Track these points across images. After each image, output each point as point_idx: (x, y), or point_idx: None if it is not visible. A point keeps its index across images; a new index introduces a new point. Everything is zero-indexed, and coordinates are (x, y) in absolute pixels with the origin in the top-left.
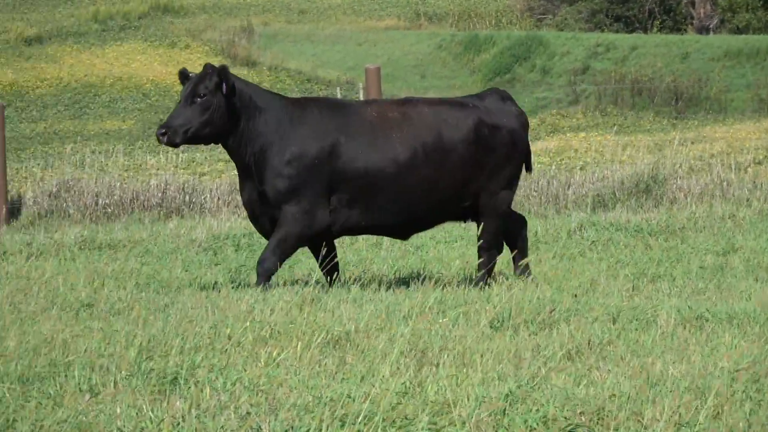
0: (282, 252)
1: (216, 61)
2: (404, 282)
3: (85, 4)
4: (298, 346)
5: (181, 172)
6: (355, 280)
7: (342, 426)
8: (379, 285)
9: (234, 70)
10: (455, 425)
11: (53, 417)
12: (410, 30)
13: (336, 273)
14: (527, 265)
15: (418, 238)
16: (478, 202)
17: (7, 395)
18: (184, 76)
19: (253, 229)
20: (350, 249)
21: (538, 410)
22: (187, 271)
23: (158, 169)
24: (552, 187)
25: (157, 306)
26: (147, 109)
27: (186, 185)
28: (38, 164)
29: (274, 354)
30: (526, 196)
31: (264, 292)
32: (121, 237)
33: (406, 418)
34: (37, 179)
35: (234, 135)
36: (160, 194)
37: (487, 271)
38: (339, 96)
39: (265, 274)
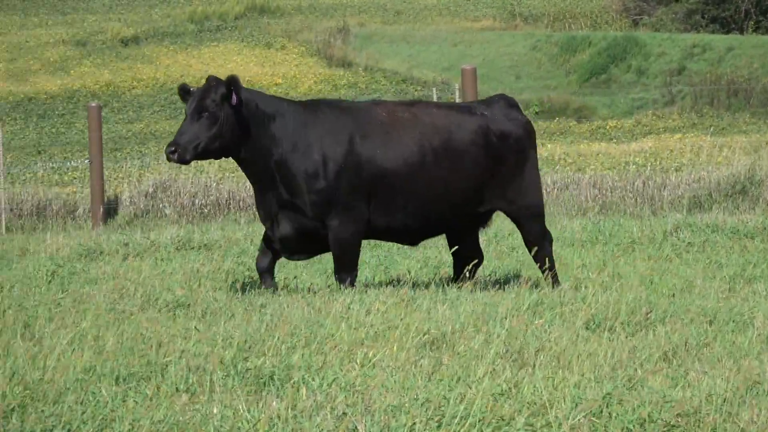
0: (350, 260)
1: (312, 62)
2: (500, 283)
3: (182, 4)
4: (394, 347)
5: None
6: (450, 281)
7: (438, 427)
8: (475, 286)
9: (330, 71)
10: (551, 427)
11: (150, 417)
12: (506, 31)
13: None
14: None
15: (514, 239)
16: (500, 209)
17: (105, 395)
18: (184, 91)
19: None
20: (446, 250)
21: (634, 412)
22: (282, 271)
23: None
24: (648, 188)
25: (254, 306)
26: None
27: None
28: (135, 164)
29: (370, 355)
30: (621, 198)
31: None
32: (217, 237)
33: (502, 419)
34: (133, 179)
35: (246, 146)
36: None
37: (551, 264)
38: (434, 98)
39: (350, 286)
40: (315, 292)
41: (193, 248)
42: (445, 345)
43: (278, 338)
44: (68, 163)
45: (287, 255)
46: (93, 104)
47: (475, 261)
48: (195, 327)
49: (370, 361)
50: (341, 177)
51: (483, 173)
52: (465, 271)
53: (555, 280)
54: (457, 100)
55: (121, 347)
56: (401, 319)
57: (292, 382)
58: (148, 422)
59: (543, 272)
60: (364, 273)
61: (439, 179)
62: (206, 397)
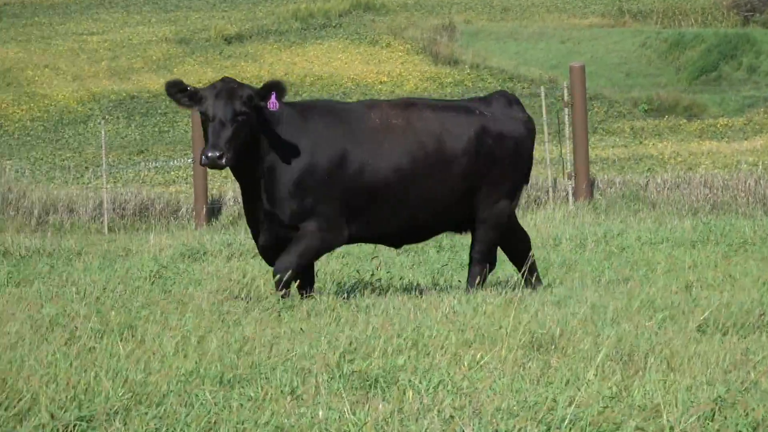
0: (296, 265)
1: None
2: (609, 284)
3: (286, 2)
4: (502, 348)
5: None
6: (560, 282)
7: (547, 430)
8: (584, 286)
9: (436, 69)
10: (664, 431)
11: (254, 420)
12: (614, 28)
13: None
14: (537, 279)
15: (623, 239)
16: (476, 213)
17: (209, 397)
18: (179, 89)
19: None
20: (554, 251)
21: (747, 415)
22: (388, 272)
23: None
24: (760, 188)
25: (359, 307)
26: None
27: None
28: None
29: (478, 357)
30: (733, 197)
31: (284, 298)
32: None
33: (613, 423)
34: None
35: (250, 152)
36: None
37: (476, 285)
38: (543, 95)
39: (286, 285)
40: (421, 293)
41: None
42: (553, 347)
43: (384, 340)
44: (171, 163)
45: (269, 263)
46: None
47: (527, 244)
48: (300, 328)
49: (477, 363)
50: (325, 187)
51: (473, 177)
52: (527, 258)
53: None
54: (566, 98)
55: (226, 349)
56: (508, 321)
57: (398, 384)
58: (253, 425)
59: (468, 280)
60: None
61: (429, 188)
62: (311, 400)
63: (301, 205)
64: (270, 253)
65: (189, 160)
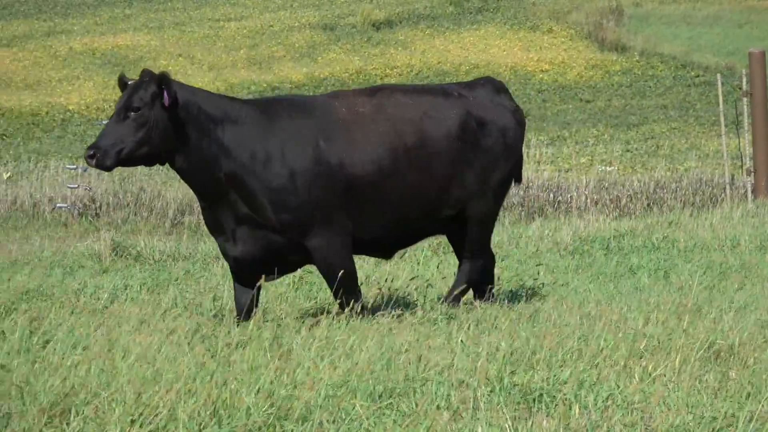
0: (351, 279)
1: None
2: None
3: None
4: (676, 359)
5: (545, 168)
6: (739, 287)
7: None
8: (765, 292)
9: (602, 56)
10: None
11: None
12: None
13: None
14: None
15: None
16: (464, 211)
17: (359, 412)
18: (122, 83)
19: (621, 230)
20: (731, 253)
21: None
22: (552, 276)
23: None
24: None
25: (521, 316)
26: None
27: (550, 182)
28: None
29: (650, 368)
30: None
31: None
32: None
33: None
34: None
35: (183, 155)
36: (521, 193)
37: (465, 285)
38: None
39: (356, 309)
40: (587, 300)
41: (450, 252)
42: (732, 357)
43: (547, 351)
44: None
45: (240, 276)
46: None
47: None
48: (459, 339)
49: (649, 375)
50: (312, 189)
51: (457, 169)
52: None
53: (456, 300)
54: (744, 87)
55: (377, 360)
56: (683, 329)
57: (563, 398)
58: None
59: (452, 289)
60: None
61: (413, 181)
62: (469, 415)
63: (287, 208)
64: (250, 265)
65: None
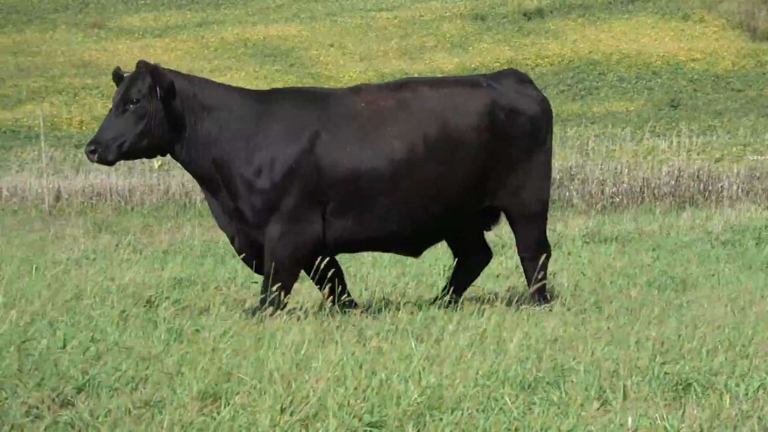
0: (282, 283)
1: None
2: None
3: None
4: None
5: (696, 158)
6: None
7: None
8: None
9: (753, 46)
10: None
11: (557, 426)
12: None
13: (341, 286)
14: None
15: None
16: (499, 205)
17: (509, 402)
18: (117, 77)
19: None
20: None
21: None
22: (702, 266)
23: (670, 155)
24: None
25: (671, 305)
26: (657, 88)
27: (701, 172)
28: None
29: None
30: None
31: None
32: (629, 229)
33: None
34: None
35: (181, 144)
36: (672, 182)
37: (541, 284)
38: None
39: (273, 312)
40: (738, 291)
41: (603, 241)
42: None
43: (698, 340)
44: None
45: (252, 269)
46: None
47: (482, 262)
48: (607, 328)
49: None
50: (290, 180)
51: (487, 161)
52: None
53: (542, 297)
54: None
55: (526, 350)
56: None
57: (714, 388)
58: (556, 431)
59: (529, 285)
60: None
61: (431, 177)
62: (619, 405)
63: (261, 200)
64: (248, 259)
65: None
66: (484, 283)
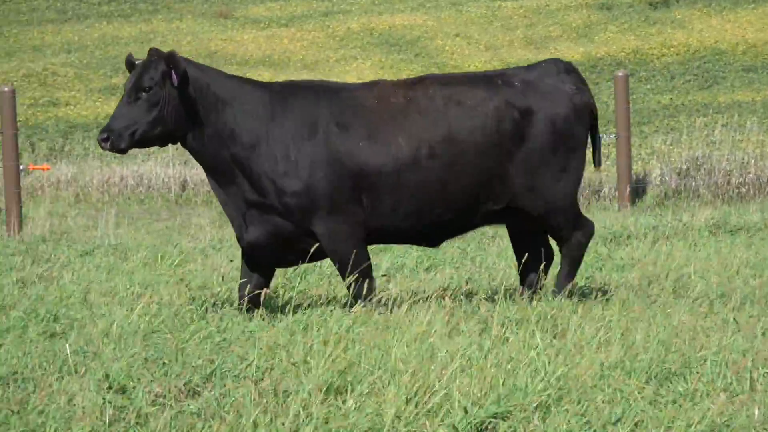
0: (360, 270)
1: None
2: None
3: None
4: None
5: None
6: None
7: None
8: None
9: None
10: None
11: (685, 418)
12: None
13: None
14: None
15: None
16: (522, 206)
17: (636, 393)
18: (129, 63)
19: None
20: None
21: None
22: None
23: None
24: None
25: None
26: None
27: None
28: (664, 139)
29: None
30: None
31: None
32: (756, 220)
33: None
34: (663, 156)
35: (193, 133)
36: None
37: (576, 263)
38: None
39: (368, 301)
40: None
41: (729, 232)
42: None
43: None
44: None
45: (254, 264)
46: (620, 73)
47: (543, 262)
48: (733, 318)
49: None
50: (317, 175)
51: (499, 162)
52: (534, 275)
53: (569, 279)
54: None
55: (652, 341)
56: None
57: None
58: (684, 425)
59: (558, 279)
60: None
61: (436, 176)
62: (746, 397)
63: (289, 192)
64: (264, 251)
65: (612, 136)
66: (609, 273)
